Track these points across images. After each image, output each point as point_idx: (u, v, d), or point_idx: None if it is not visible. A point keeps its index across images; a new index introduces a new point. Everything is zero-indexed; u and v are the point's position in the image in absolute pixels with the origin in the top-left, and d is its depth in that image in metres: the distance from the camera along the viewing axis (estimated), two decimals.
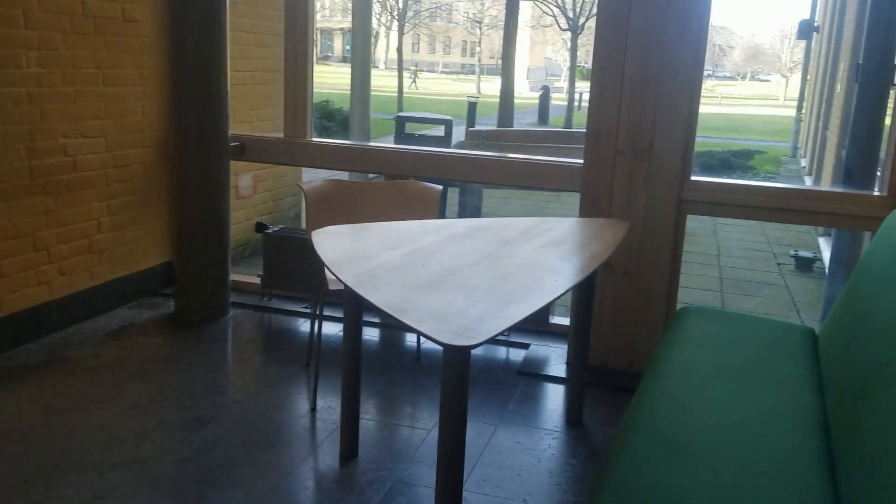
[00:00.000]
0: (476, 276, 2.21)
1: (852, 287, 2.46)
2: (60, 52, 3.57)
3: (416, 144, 5.82)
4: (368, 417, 3.06)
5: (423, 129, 10.19)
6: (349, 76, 8.07)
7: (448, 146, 7.28)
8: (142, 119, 4.11)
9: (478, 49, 45.43)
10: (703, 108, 3.34)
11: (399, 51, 31.27)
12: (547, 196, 11.04)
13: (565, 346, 3.80)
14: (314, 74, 4.11)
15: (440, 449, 1.93)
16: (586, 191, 3.45)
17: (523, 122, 21.62)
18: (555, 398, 3.34)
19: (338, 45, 51.67)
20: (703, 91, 3.35)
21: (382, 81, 29.53)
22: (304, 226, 6.01)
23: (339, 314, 3.99)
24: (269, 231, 4.24)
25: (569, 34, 27.83)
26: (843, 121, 8.56)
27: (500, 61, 25.26)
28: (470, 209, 7.26)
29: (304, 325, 4.02)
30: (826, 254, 7.45)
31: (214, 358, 3.55)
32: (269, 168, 5.86)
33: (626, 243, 3.41)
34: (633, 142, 3.33)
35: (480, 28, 40.98)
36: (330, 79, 23.37)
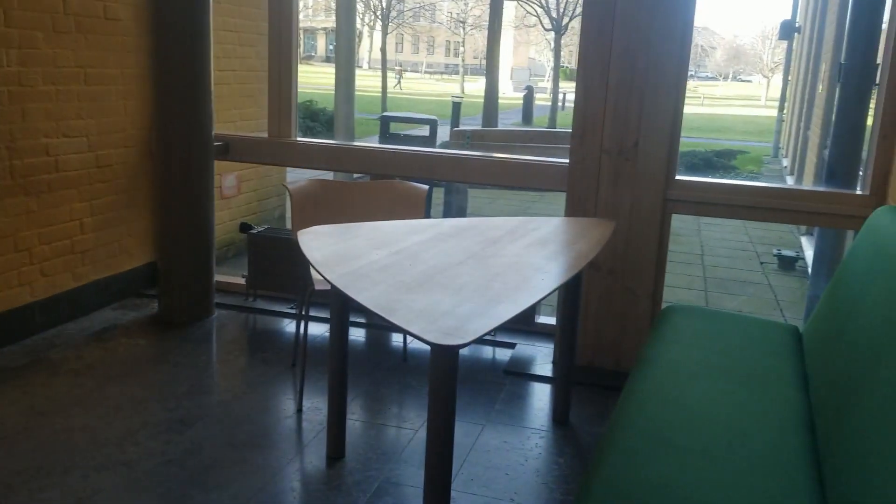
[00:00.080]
0: (463, 275, 2.21)
1: (836, 285, 2.48)
2: (41, 50, 3.53)
3: (401, 144, 5.81)
4: (355, 418, 3.05)
5: (408, 129, 10.20)
6: (332, 76, 8.03)
7: (433, 146, 7.28)
8: (124, 118, 4.08)
9: (461, 49, 45.48)
10: (686, 109, 3.36)
11: (383, 51, 31.26)
12: (532, 196, 11.07)
13: (551, 346, 3.81)
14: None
15: (428, 448, 1.93)
16: (572, 190, 3.45)
17: (507, 122, 21.65)
18: (541, 397, 3.35)
19: (321, 44, 51.58)
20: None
21: (366, 81, 29.47)
22: (288, 226, 6.00)
23: (325, 314, 3.99)
24: (254, 231, 4.22)
25: (552, 34, 27.91)
26: (825, 121, 8.63)
27: (483, 61, 25.30)
28: (455, 209, 7.26)
29: (290, 326, 4.00)
30: (808, 253, 7.52)
31: (199, 359, 3.53)
32: (252, 168, 5.83)
33: (612, 242, 3.42)
34: (619, 141, 3.34)
35: (464, 28, 41.06)
36: (313, 78, 23.32)
